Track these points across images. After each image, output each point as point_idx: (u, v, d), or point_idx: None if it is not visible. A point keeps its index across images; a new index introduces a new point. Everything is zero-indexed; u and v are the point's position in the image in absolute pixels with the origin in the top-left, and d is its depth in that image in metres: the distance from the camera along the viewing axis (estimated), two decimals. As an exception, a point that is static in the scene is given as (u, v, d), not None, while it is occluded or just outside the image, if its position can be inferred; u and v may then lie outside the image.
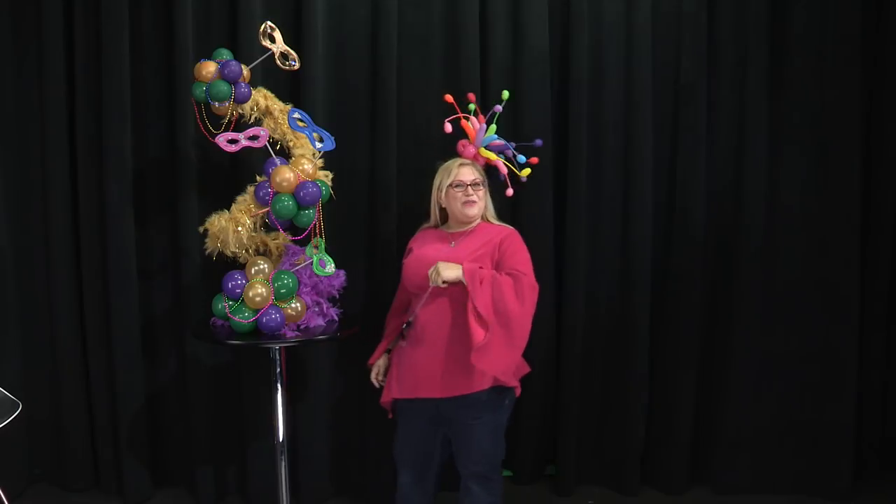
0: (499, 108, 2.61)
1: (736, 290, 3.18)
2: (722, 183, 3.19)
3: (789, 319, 3.19)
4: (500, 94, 2.70)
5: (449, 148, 3.08)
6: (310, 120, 2.62)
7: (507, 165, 2.65)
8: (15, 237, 3.17)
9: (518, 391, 2.49)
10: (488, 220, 2.57)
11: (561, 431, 3.26)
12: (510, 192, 2.63)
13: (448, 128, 2.61)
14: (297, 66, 2.71)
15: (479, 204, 2.52)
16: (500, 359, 2.29)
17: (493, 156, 2.63)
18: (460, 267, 2.33)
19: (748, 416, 3.23)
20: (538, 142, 2.71)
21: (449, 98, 2.66)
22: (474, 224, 2.54)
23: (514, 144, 2.68)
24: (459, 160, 2.59)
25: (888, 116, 3.15)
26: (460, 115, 2.64)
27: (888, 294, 3.24)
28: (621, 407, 3.25)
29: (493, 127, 2.64)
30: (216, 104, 2.56)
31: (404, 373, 2.49)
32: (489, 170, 2.66)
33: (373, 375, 2.66)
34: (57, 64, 3.07)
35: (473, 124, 2.65)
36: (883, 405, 3.34)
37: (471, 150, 2.65)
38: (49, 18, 3.04)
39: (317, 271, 2.59)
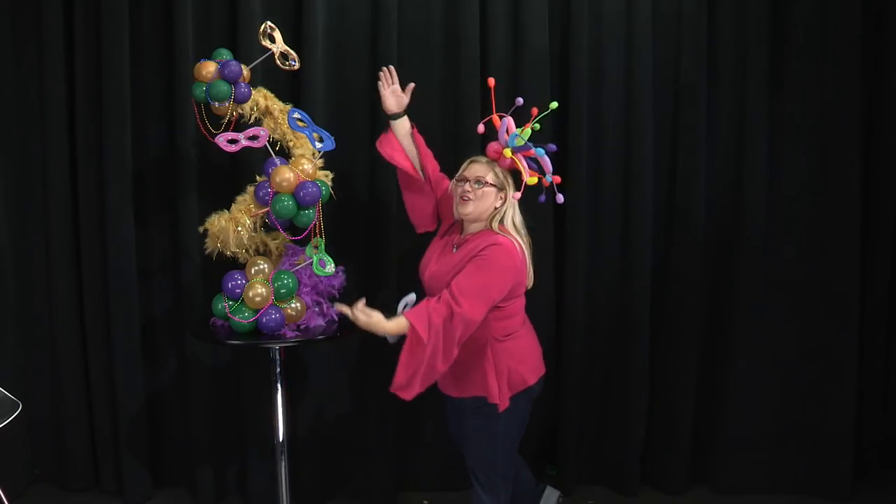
0: (520, 100, 2.41)
1: (736, 290, 3.18)
2: (722, 183, 3.19)
3: (789, 319, 3.19)
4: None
5: (449, 148, 3.09)
6: (310, 120, 2.62)
7: (535, 172, 2.41)
8: (15, 237, 3.17)
9: (502, 407, 2.32)
10: (490, 227, 2.36)
11: (561, 431, 3.26)
12: (517, 195, 2.37)
13: (481, 129, 2.47)
14: (297, 66, 2.71)
15: (478, 204, 2.34)
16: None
17: (508, 154, 2.37)
18: (395, 325, 2.17)
19: (748, 416, 3.23)
20: (551, 146, 2.46)
21: (491, 81, 2.47)
22: (479, 228, 2.39)
23: (543, 150, 2.43)
24: (476, 157, 2.45)
25: (888, 116, 3.15)
26: (494, 112, 2.46)
27: (888, 294, 3.24)
28: (621, 407, 3.25)
29: (528, 131, 2.39)
30: (216, 104, 2.56)
31: None
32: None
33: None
34: (57, 64, 3.07)
35: (508, 124, 2.41)
36: (883, 405, 3.34)
37: (493, 146, 2.44)
38: (49, 18, 3.04)
39: (317, 271, 2.60)
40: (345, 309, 2.20)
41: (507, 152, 2.37)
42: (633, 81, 3.12)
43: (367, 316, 2.16)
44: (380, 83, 2.63)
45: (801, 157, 3.14)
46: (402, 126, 2.63)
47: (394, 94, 2.61)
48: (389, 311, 3.09)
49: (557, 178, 2.43)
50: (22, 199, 3.17)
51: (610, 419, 3.28)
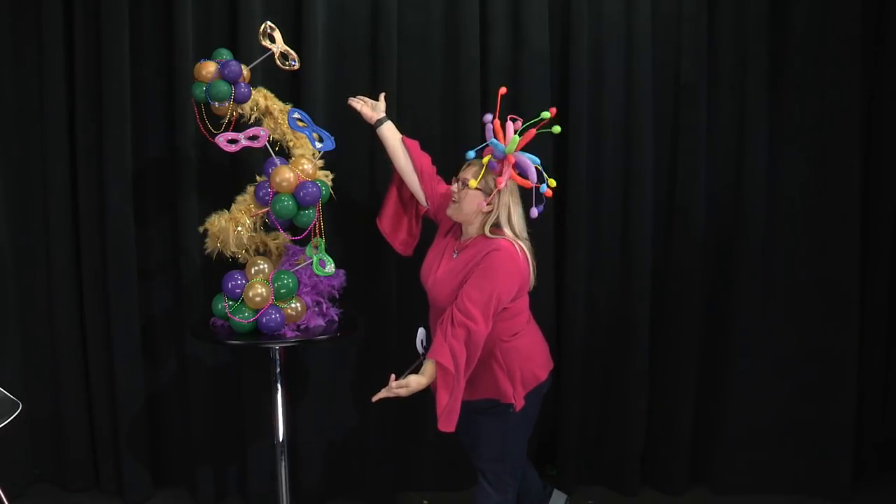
0: (488, 116, 2.36)
1: (736, 290, 3.19)
2: (722, 183, 3.19)
3: (789, 319, 3.19)
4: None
5: (449, 148, 3.10)
6: (310, 120, 2.62)
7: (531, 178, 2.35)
8: (15, 237, 3.16)
9: (518, 406, 2.34)
10: (484, 233, 2.34)
11: (561, 431, 3.26)
12: (535, 212, 2.30)
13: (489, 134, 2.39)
14: (297, 66, 2.71)
15: (462, 206, 2.34)
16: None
17: (486, 161, 2.35)
18: (428, 373, 2.20)
19: (748, 416, 3.23)
20: (534, 159, 2.38)
21: (503, 90, 2.42)
22: (475, 232, 2.37)
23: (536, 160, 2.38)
24: (474, 160, 2.42)
25: (888, 117, 3.15)
26: (497, 115, 2.39)
27: (888, 294, 3.24)
28: (621, 407, 3.25)
29: (515, 139, 2.32)
30: (216, 104, 2.56)
31: None
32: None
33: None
34: (57, 64, 3.07)
35: (507, 130, 2.35)
36: (883, 405, 3.34)
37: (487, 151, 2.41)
38: (49, 18, 3.04)
39: (317, 271, 2.59)
40: (382, 395, 2.23)
41: (485, 160, 2.35)
42: (633, 82, 3.12)
43: (405, 388, 2.21)
44: (353, 104, 2.71)
45: (801, 157, 3.14)
46: (389, 130, 2.66)
47: (367, 104, 2.70)
48: (391, 312, 3.12)
49: (548, 193, 2.34)
50: (22, 199, 3.17)
51: (610, 419, 3.28)
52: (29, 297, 3.20)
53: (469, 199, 2.35)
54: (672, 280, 3.20)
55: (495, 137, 2.36)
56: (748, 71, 3.11)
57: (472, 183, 2.33)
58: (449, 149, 3.09)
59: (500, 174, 2.32)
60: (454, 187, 2.38)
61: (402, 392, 2.21)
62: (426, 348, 2.32)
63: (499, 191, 2.31)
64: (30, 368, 3.22)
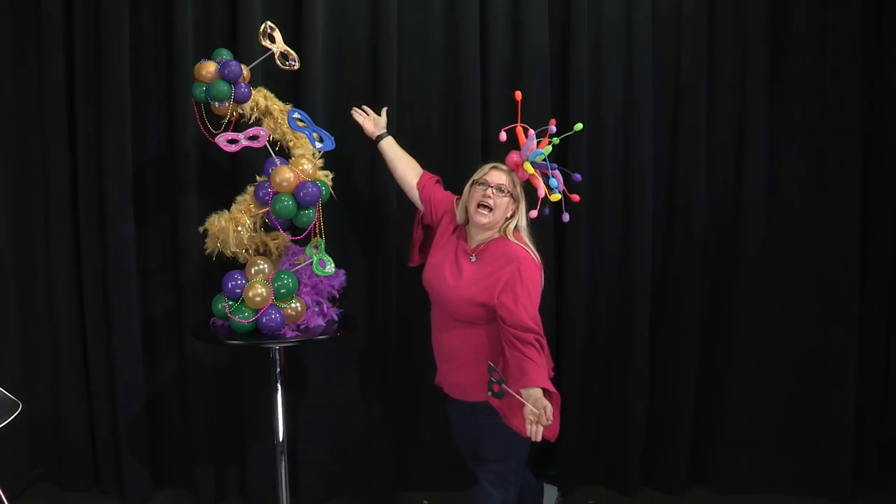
0: (552, 129, 2.41)
1: (736, 290, 3.19)
2: (722, 183, 3.20)
3: (789, 319, 3.19)
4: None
5: (449, 147, 3.10)
6: (310, 120, 2.61)
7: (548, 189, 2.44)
8: (15, 237, 3.16)
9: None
10: (505, 236, 2.40)
11: (561, 431, 3.24)
12: (534, 213, 2.41)
13: (503, 136, 2.45)
14: (297, 66, 2.71)
15: (496, 213, 2.37)
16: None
17: (530, 169, 2.41)
18: (538, 390, 2.24)
19: (748, 416, 3.23)
20: (577, 176, 2.50)
21: (518, 95, 2.46)
22: (492, 236, 2.41)
23: (557, 168, 2.46)
24: (497, 164, 2.46)
25: (888, 116, 3.15)
26: (519, 123, 2.45)
27: (888, 294, 3.24)
28: (621, 407, 3.25)
29: (549, 148, 2.42)
30: (216, 104, 2.56)
31: (440, 377, 2.57)
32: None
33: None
34: (57, 63, 3.07)
35: (530, 136, 2.41)
36: (883, 405, 3.34)
37: (514, 157, 2.44)
38: (49, 18, 3.04)
39: (317, 271, 2.59)
40: (534, 423, 2.21)
41: (529, 167, 2.39)
42: (633, 81, 3.12)
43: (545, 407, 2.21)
44: (356, 117, 2.76)
45: (801, 157, 3.14)
46: (388, 145, 2.73)
47: (368, 118, 2.76)
48: (391, 312, 3.12)
49: (576, 197, 2.48)
50: (22, 199, 3.17)
51: (610, 419, 3.28)
52: (29, 297, 3.20)
53: (503, 205, 2.38)
54: (672, 280, 3.20)
55: (523, 146, 2.42)
56: (748, 71, 3.11)
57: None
58: (448, 149, 3.09)
59: (527, 180, 2.43)
60: (489, 192, 2.38)
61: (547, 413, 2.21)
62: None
63: (540, 200, 2.40)
64: (30, 368, 3.22)
